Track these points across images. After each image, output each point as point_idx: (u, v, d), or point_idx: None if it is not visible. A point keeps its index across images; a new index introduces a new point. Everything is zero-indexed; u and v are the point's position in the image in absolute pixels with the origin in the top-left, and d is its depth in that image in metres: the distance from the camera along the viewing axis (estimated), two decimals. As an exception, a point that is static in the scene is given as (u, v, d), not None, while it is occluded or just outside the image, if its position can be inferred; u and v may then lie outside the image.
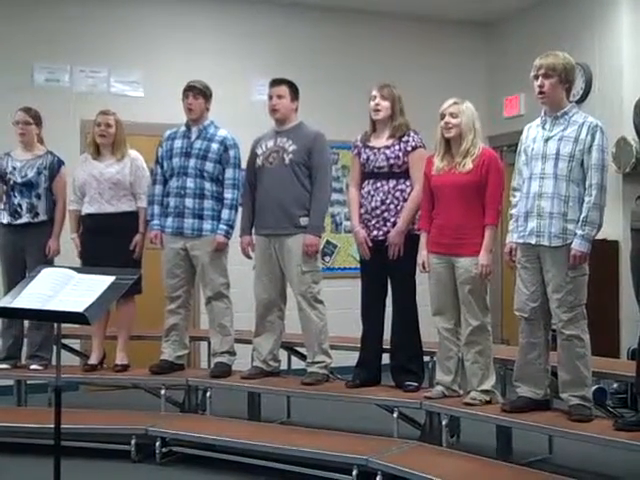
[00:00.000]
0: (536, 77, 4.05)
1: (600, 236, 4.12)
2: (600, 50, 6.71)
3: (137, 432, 4.68)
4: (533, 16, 7.45)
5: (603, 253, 5.44)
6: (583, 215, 3.92)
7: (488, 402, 4.30)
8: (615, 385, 5.64)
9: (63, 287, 3.14)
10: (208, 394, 5.06)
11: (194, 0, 7.12)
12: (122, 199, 5.30)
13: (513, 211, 4.20)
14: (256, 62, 7.19)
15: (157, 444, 4.63)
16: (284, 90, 5.01)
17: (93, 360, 5.38)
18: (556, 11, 7.17)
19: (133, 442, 4.65)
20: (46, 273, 3.26)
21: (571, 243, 3.92)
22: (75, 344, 5.98)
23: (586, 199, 3.93)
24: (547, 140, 4.03)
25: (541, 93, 4.03)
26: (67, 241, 5.42)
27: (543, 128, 4.08)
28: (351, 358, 4.93)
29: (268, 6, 7.27)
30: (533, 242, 4.03)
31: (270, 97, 5.03)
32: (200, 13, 7.15)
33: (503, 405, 4.20)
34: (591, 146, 3.94)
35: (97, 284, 3.13)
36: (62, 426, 3.17)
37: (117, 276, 3.18)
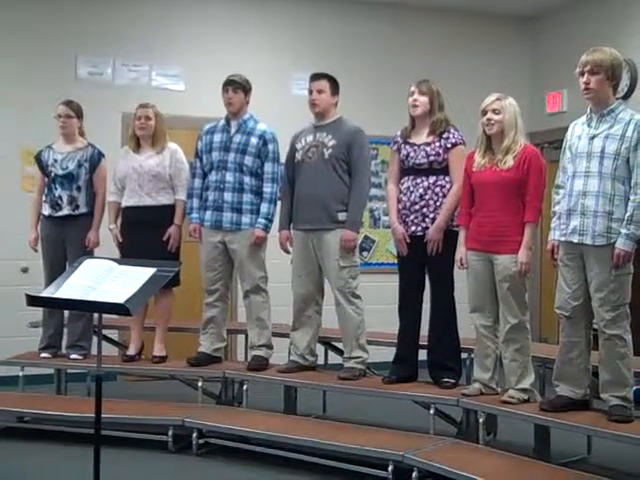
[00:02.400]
0: (582, 73, 3.99)
1: (646, 235, 4.05)
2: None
3: (174, 423, 4.73)
4: (577, 11, 7.35)
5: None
6: (628, 214, 3.86)
7: (526, 400, 4.26)
8: (656, 386, 5.56)
9: (105, 278, 3.18)
10: (245, 387, 5.09)
11: (235, -4, 7.16)
12: (161, 192, 5.34)
13: (556, 208, 4.15)
14: (296, 57, 7.20)
15: (194, 435, 4.67)
16: (324, 84, 5.00)
17: (131, 351, 5.43)
18: (601, 6, 7.07)
19: (170, 433, 4.69)
20: (88, 264, 3.30)
21: (615, 242, 3.87)
22: (113, 334, 6.05)
23: (631, 197, 3.87)
24: (592, 138, 3.97)
25: (587, 90, 3.97)
26: (106, 233, 5.48)
27: (589, 126, 4.03)
28: (388, 354, 4.92)
29: (309, 1, 7.27)
30: (575, 240, 3.98)
31: (310, 91, 5.03)
32: (241, 8, 7.17)
33: (541, 404, 4.16)
34: (637, 144, 3.88)
35: (138, 276, 3.16)
36: (102, 415, 3.20)
37: (158, 268, 3.21)
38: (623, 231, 3.86)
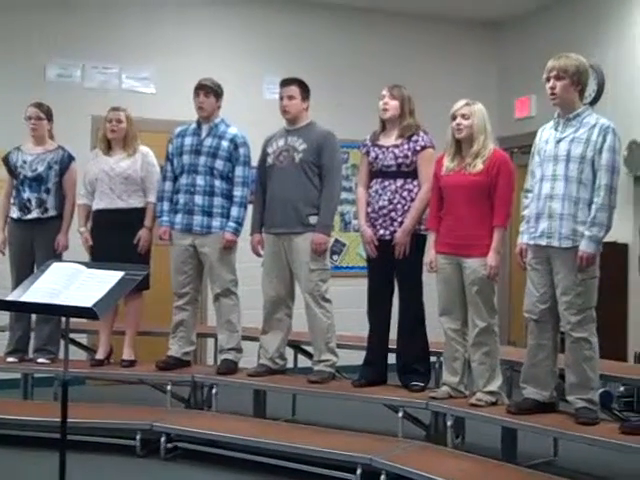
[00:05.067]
0: (548, 79, 4.04)
1: (610, 239, 4.12)
2: (613, 52, 6.70)
3: (142, 427, 4.70)
4: (545, 17, 7.43)
5: (613, 256, 5.42)
6: (591, 216, 3.90)
7: (494, 403, 4.29)
8: (622, 388, 5.61)
9: (72, 282, 3.16)
10: (214, 391, 5.07)
11: (206, 0, 7.13)
12: (133, 195, 5.32)
13: (525, 212, 4.19)
14: (268, 61, 7.21)
15: (162, 440, 4.64)
16: (294, 90, 5.00)
17: (100, 355, 5.40)
18: (569, 12, 7.15)
19: (138, 437, 4.66)
20: (56, 267, 3.27)
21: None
22: (82, 339, 6.00)
23: (594, 200, 3.91)
24: (559, 142, 4.02)
25: (553, 95, 4.02)
26: (76, 236, 5.44)
27: (556, 130, 4.08)
28: (358, 357, 4.93)
29: (280, 5, 7.28)
30: (543, 243, 4.02)
31: (281, 98, 5.03)
32: (212, 12, 7.16)
33: (509, 406, 4.20)
34: (602, 147, 3.92)
35: (106, 279, 3.14)
36: (68, 420, 3.18)
37: (126, 272, 3.19)
38: (586, 233, 3.90)
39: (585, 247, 3.89)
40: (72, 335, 5.51)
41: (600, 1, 6.87)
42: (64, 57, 6.72)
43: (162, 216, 5.27)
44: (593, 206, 3.91)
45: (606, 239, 3.99)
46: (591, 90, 6.44)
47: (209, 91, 5.18)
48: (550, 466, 4.41)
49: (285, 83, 5.05)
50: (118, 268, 3.23)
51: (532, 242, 4.10)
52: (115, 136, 5.34)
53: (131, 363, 5.33)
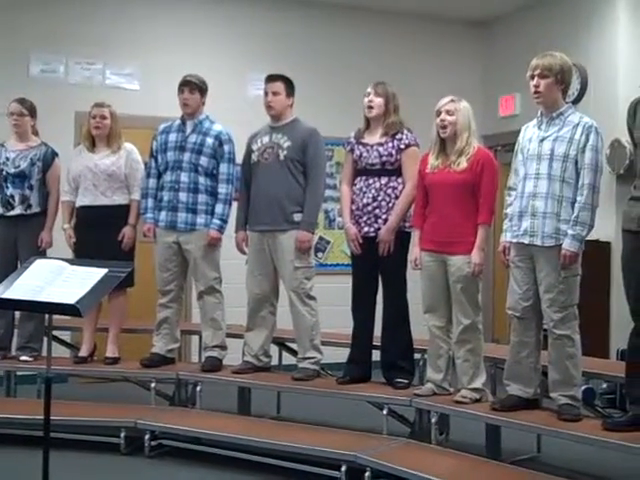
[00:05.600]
0: (532, 77, 4.05)
1: (593, 237, 4.15)
2: (596, 51, 6.74)
3: (126, 425, 4.69)
4: (529, 16, 7.47)
5: (595, 254, 5.46)
6: (574, 215, 3.93)
7: (478, 400, 4.31)
8: (604, 385, 5.66)
9: (55, 279, 3.14)
10: (198, 388, 5.06)
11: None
12: (117, 191, 5.30)
13: (508, 210, 4.21)
14: (252, 57, 7.20)
15: (146, 437, 4.63)
16: (279, 86, 5.00)
17: (83, 352, 5.38)
18: (553, 11, 7.19)
19: (122, 435, 4.65)
20: (39, 264, 3.26)
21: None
22: (65, 336, 5.97)
23: (578, 199, 3.94)
24: (542, 140, 4.04)
25: (537, 93, 4.04)
26: (60, 233, 5.41)
27: (539, 128, 4.09)
28: (342, 354, 4.94)
29: (266, 3, 7.27)
30: (526, 242, 4.04)
31: (266, 93, 5.03)
32: (197, 8, 7.14)
33: (493, 403, 4.22)
34: (585, 146, 3.95)
35: (90, 276, 3.13)
36: (51, 418, 3.17)
37: (110, 268, 3.18)
38: (570, 232, 3.92)
39: (568, 246, 3.91)
40: (55, 332, 5.49)
41: (582, 1, 6.90)
42: (48, 52, 6.69)
43: (146, 213, 5.25)
44: (576, 205, 3.94)
45: (588, 237, 4.02)
46: (574, 89, 6.48)
47: (194, 87, 5.17)
48: (533, 462, 4.43)
49: (270, 79, 5.05)
50: (102, 265, 3.22)
51: (515, 240, 4.12)
52: (99, 132, 5.32)
53: (115, 360, 5.31)
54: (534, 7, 7.36)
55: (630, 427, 3.74)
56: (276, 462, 4.37)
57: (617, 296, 5.60)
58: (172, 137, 5.21)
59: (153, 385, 5.09)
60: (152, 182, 5.25)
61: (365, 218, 4.70)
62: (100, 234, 5.15)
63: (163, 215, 5.17)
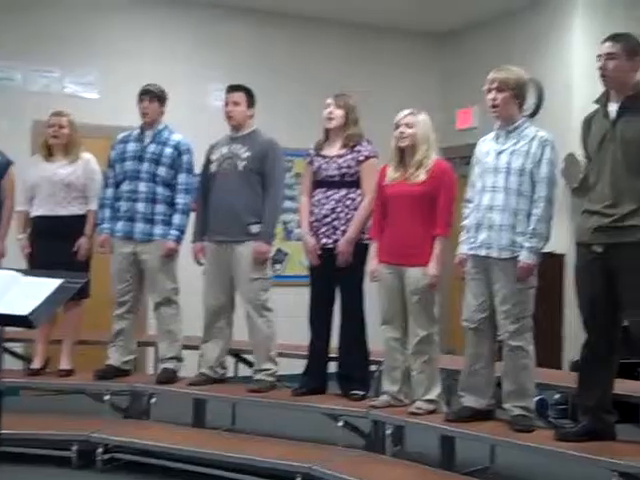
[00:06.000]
0: (489, 90, 4.10)
1: (547, 249, 4.19)
2: (552, 67, 6.85)
3: (79, 438, 4.63)
4: (487, 30, 7.57)
5: (549, 266, 5.50)
6: (530, 228, 3.97)
7: (433, 412, 4.32)
8: (557, 396, 5.73)
9: (8, 289, 3.10)
10: (153, 400, 5.02)
11: (151, 4, 7.09)
12: (73, 202, 5.24)
13: (465, 222, 4.24)
14: (213, 67, 7.19)
15: (99, 451, 4.57)
16: (240, 97, 5.00)
17: (36, 364, 5.29)
18: (510, 26, 7.30)
19: (74, 448, 4.59)
20: (-10, 275, 3.21)
21: (519, 255, 3.98)
22: (17, 347, 5.87)
23: (534, 212, 3.98)
24: (499, 153, 4.08)
25: (494, 107, 4.09)
26: (14, 243, 5.33)
27: (496, 142, 4.14)
28: (298, 366, 4.93)
29: (225, 12, 7.27)
30: (483, 254, 4.08)
31: (226, 103, 5.02)
32: (156, 17, 7.12)
33: (447, 415, 4.24)
34: (541, 159, 4.00)
35: (43, 287, 3.09)
36: (2, 431, 3.11)
37: (65, 279, 3.15)
38: (526, 244, 3.96)
39: (525, 258, 3.96)
40: (6, 344, 5.39)
41: (539, 17, 7.02)
42: (4, 59, 6.59)
43: (103, 223, 5.21)
44: (532, 217, 3.98)
45: (543, 250, 4.07)
46: (530, 103, 6.54)
47: (153, 97, 5.15)
48: (487, 473, 4.46)
49: (231, 89, 5.05)
50: (56, 276, 3.18)
51: (472, 252, 4.15)
52: (57, 142, 5.27)
53: (69, 372, 5.24)
54: (492, 22, 7.46)
55: (581, 437, 3.78)
56: (231, 475, 4.34)
57: (570, 308, 5.66)
58: (130, 147, 5.17)
59: (107, 397, 5.02)
60: (109, 192, 5.21)
61: (324, 229, 4.71)
62: (55, 245, 5.09)
63: (120, 225, 5.13)
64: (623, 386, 4.11)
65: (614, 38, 3.75)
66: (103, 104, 6.80)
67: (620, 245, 3.66)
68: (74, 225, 5.21)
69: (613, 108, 3.75)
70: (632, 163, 3.67)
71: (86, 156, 5.33)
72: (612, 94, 3.78)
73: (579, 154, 5.95)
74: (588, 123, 3.92)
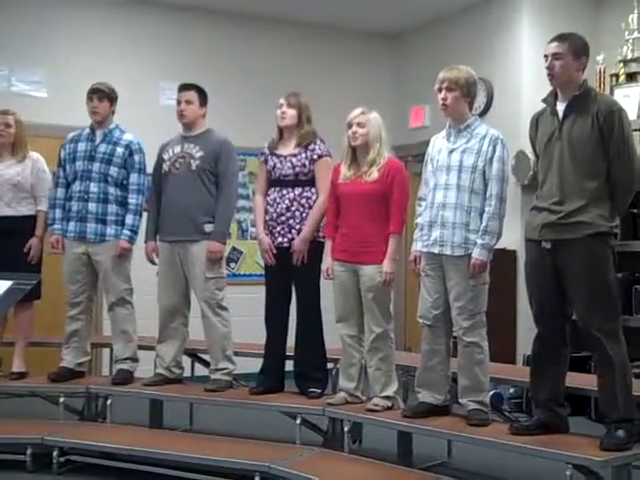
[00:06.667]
0: (439, 90, 4.14)
1: (500, 245, 4.25)
2: (501, 66, 6.95)
3: (33, 442, 4.56)
4: (438, 30, 7.65)
5: (502, 262, 5.59)
6: (483, 225, 4.03)
7: (390, 408, 4.36)
8: (511, 390, 5.82)
9: (-44, 292, 3.05)
10: (109, 401, 4.97)
11: (102, 3, 7.00)
12: (22, 202, 5.18)
13: (418, 220, 4.28)
14: (164, 66, 7.14)
15: (54, 453, 4.52)
16: (192, 95, 4.98)
17: (-13, 368, 5.23)
18: (460, 26, 7.38)
19: (29, 452, 4.52)
20: (-61, 278, 3.15)
21: (472, 252, 4.03)
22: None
23: (486, 209, 4.04)
24: (451, 152, 4.13)
25: (444, 106, 4.13)
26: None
27: (448, 140, 4.19)
28: (255, 365, 4.93)
29: (177, 10, 7.23)
30: (436, 251, 4.12)
31: (178, 102, 5.00)
32: (107, 14, 7.03)
33: (404, 411, 4.27)
34: (492, 157, 4.05)
35: (-7, 289, 3.05)
36: (-47, 436, 3.07)
37: (15, 281, 3.11)
38: (479, 241, 4.02)
39: (478, 255, 4.01)
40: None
41: (488, 18, 7.11)
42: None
43: (54, 224, 5.14)
44: (485, 215, 4.04)
45: (496, 246, 4.13)
46: (480, 102, 6.66)
47: (103, 96, 5.09)
48: (444, 467, 4.52)
49: (183, 88, 5.02)
50: (6, 278, 3.15)
51: (425, 250, 4.19)
52: (3, 141, 5.21)
53: (22, 375, 5.17)
54: (443, 21, 7.54)
55: (535, 431, 3.85)
56: (189, 475, 4.32)
57: (523, 303, 5.75)
58: (81, 146, 5.12)
59: (62, 400, 4.97)
60: (60, 192, 5.15)
61: (279, 228, 4.72)
62: (5, 246, 5.02)
63: (72, 226, 5.07)
64: (575, 379, 4.18)
65: (560, 38, 3.82)
66: (52, 103, 6.71)
67: (567, 241, 3.73)
68: (23, 226, 5.15)
69: (561, 107, 3.82)
70: (579, 161, 3.74)
71: (34, 155, 5.27)
72: (560, 93, 3.85)
73: (529, 152, 6.06)
74: (536, 121, 3.98)
